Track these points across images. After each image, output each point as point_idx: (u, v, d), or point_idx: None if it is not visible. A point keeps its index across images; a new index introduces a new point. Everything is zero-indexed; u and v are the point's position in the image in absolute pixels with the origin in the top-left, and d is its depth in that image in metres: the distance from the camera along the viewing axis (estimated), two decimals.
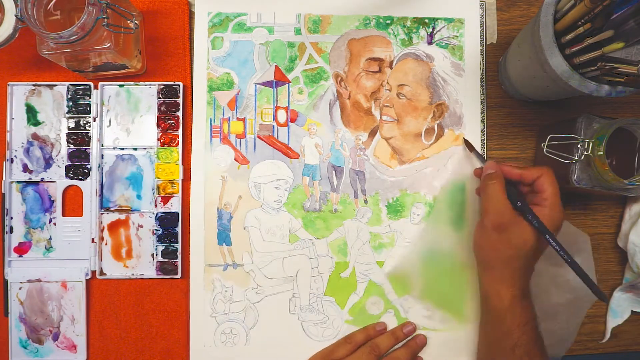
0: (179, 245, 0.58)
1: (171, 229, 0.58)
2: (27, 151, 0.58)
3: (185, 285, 0.58)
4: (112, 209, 0.58)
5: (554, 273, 0.57)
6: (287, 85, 0.59)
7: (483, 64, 0.60)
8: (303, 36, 0.60)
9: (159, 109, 0.58)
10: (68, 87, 0.58)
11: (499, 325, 0.50)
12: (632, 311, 0.60)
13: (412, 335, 0.58)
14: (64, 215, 0.58)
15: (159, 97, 0.58)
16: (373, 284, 0.59)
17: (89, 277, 0.58)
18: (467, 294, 0.59)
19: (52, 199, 0.58)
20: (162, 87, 0.58)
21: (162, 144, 0.58)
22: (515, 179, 0.51)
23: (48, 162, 0.58)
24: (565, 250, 0.48)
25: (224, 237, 0.58)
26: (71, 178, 0.58)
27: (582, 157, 0.51)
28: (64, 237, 0.58)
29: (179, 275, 0.58)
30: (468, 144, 0.58)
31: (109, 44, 0.50)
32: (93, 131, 0.58)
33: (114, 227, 0.58)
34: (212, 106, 0.59)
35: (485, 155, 0.60)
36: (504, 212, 0.49)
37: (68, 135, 0.58)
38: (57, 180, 0.58)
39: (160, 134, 0.58)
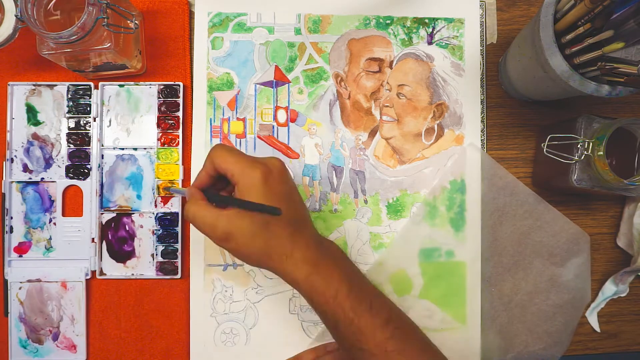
0: (179, 246, 0.58)
1: (171, 229, 0.58)
2: (27, 151, 0.58)
3: (185, 285, 0.58)
4: (112, 209, 0.58)
5: (552, 273, 0.57)
6: (287, 85, 0.60)
7: (483, 64, 0.60)
8: (303, 36, 0.60)
9: (159, 109, 0.58)
10: (68, 87, 0.58)
11: (312, 306, 0.47)
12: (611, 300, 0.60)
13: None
14: (64, 215, 0.58)
15: (159, 97, 0.58)
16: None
17: (88, 277, 0.58)
18: (467, 294, 0.59)
19: (52, 199, 0.58)
20: (162, 87, 0.58)
21: (162, 144, 0.58)
22: (210, 181, 0.47)
23: (48, 162, 0.58)
24: (264, 205, 0.43)
25: None
26: (71, 178, 0.58)
27: (582, 157, 0.51)
28: (64, 237, 0.58)
29: (179, 276, 0.58)
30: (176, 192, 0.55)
31: (109, 44, 0.50)
32: (93, 131, 0.58)
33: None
34: (212, 106, 0.59)
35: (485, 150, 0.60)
36: (213, 223, 0.44)
37: (68, 135, 0.58)
38: (57, 180, 0.58)
39: (161, 134, 0.58)
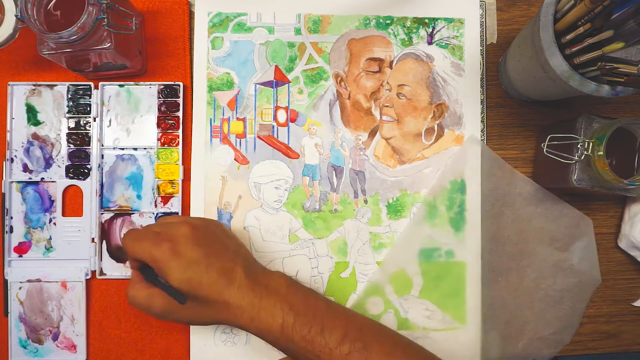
0: None
1: None
2: (27, 151, 0.58)
3: None
4: (112, 208, 0.58)
5: (558, 258, 0.57)
6: (287, 85, 0.60)
7: (483, 64, 0.60)
8: (303, 36, 0.60)
9: (159, 109, 0.58)
10: (68, 87, 0.58)
11: (274, 344, 0.47)
12: None
13: None
14: (64, 215, 0.58)
15: (159, 97, 0.58)
16: (373, 284, 0.59)
17: (88, 277, 0.58)
18: (467, 294, 0.59)
19: (52, 198, 0.58)
20: (162, 87, 0.58)
21: (162, 144, 0.58)
22: (146, 260, 0.47)
23: (48, 162, 0.58)
24: (168, 286, 0.45)
25: None
26: (71, 178, 0.58)
27: (582, 157, 0.51)
28: (64, 237, 0.58)
29: None
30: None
31: (109, 44, 0.50)
32: (93, 131, 0.58)
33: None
34: (212, 106, 0.59)
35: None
36: (151, 305, 0.46)
37: (68, 135, 0.58)
38: (57, 180, 0.58)
39: (161, 134, 0.58)
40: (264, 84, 0.59)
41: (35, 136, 0.58)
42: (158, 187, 0.58)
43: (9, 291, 0.57)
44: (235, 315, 0.46)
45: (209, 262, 0.46)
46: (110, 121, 0.58)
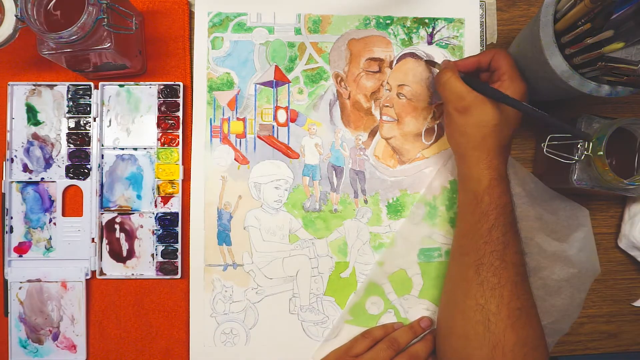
0: (179, 246, 0.58)
1: (171, 229, 0.58)
2: (27, 151, 0.58)
3: (185, 285, 0.58)
4: (112, 209, 0.58)
5: (556, 248, 0.57)
6: (287, 85, 0.60)
7: None
8: (303, 36, 0.60)
9: (159, 109, 0.58)
10: (68, 87, 0.58)
11: (477, 208, 0.50)
12: None
13: (430, 329, 0.58)
14: (64, 215, 0.58)
15: (159, 97, 0.58)
16: (373, 284, 0.59)
17: (88, 277, 0.58)
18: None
19: (52, 198, 0.58)
20: (162, 87, 0.58)
21: (162, 144, 0.58)
22: (474, 67, 0.53)
23: (48, 162, 0.58)
24: (534, 108, 0.48)
25: (223, 237, 0.58)
26: (71, 178, 0.58)
27: (582, 157, 0.51)
28: (64, 237, 0.58)
29: (179, 276, 0.58)
30: (431, 63, 0.59)
31: (109, 44, 0.50)
32: (93, 131, 0.58)
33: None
34: (212, 106, 0.59)
35: None
36: (463, 95, 0.49)
37: (68, 135, 0.58)
38: (57, 180, 0.58)
39: (161, 134, 0.58)
40: (264, 84, 0.59)
41: (35, 136, 0.58)
42: (158, 187, 0.58)
43: (9, 291, 0.57)
44: (486, 169, 0.50)
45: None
46: (110, 121, 0.58)
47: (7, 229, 0.57)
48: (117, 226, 0.58)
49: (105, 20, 0.47)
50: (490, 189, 0.49)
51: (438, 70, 0.54)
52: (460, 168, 0.53)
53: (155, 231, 0.58)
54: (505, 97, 0.49)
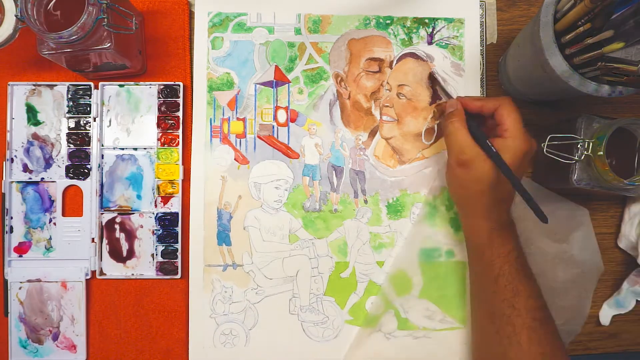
0: (178, 246, 0.58)
1: (171, 229, 0.58)
2: (27, 151, 0.58)
3: (185, 285, 0.58)
4: (112, 209, 0.58)
5: (557, 250, 0.57)
6: (287, 85, 0.60)
7: (483, 64, 0.60)
8: (303, 36, 0.60)
9: (159, 109, 0.58)
10: (68, 87, 0.58)
11: (480, 258, 0.51)
12: (637, 300, 0.60)
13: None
14: (64, 215, 0.58)
15: (159, 97, 0.58)
16: (373, 284, 0.59)
17: (88, 277, 0.58)
18: (467, 293, 0.58)
19: (52, 199, 0.58)
20: (162, 87, 0.58)
21: (162, 144, 0.58)
22: (476, 111, 0.51)
23: (48, 162, 0.58)
24: (516, 178, 0.48)
25: (223, 237, 0.58)
26: (71, 178, 0.58)
27: (582, 157, 0.51)
28: (64, 237, 0.58)
29: (178, 276, 0.58)
30: (432, 78, 0.58)
31: (109, 44, 0.50)
32: (93, 131, 0.58)
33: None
34: (212, 106, 0.59)
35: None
36: (464, 149, 0.49)
37: (68, 135, 0.58)
38: (57, 180, 0.58)
39: (161, 134, 0.58)
40: (264, 84, 0.59)
41: (35, 136, 0.58)
42: (158, 187, 0.58)
43: (9, 291, 0.57)
44: (485, 220, 0.50)
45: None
46: (110, 121, 0.58)
47: (7, 229, 0.57)
48: (117, 226, 0.58)
49: (105, 20, 0.47)
50: (490, 240, 0.50)
51: (443, 99, 0.53)
52: (460, 217, 0.54)
53: (155, 231, 0.58)
54: (498, 160, 0.48)
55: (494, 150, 0.48)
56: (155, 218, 0.58)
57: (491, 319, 0.49)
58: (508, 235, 0.50)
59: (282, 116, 0.59)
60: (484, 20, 0.61)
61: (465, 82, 0.60)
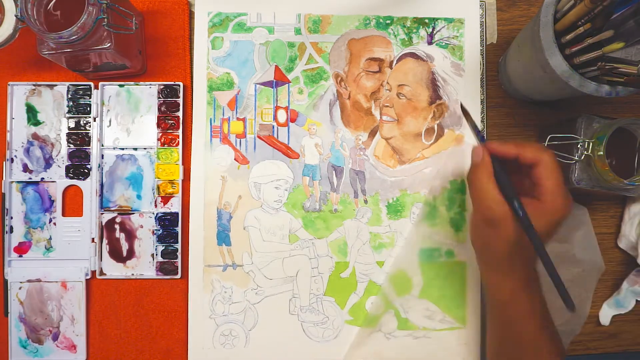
0: (178, 246, 0.58)
1: (171, 229, 0.58)
2: (27, 151, 0.58)
3: (185, 285, 0.58)
4: (112, 209, 0.58)
5: (558, 250, 0.57)
6: (287, 85, 0.60)
7: (483, 64, 0.60)
8: (303, 36, 0.60)
9: (159, 109, 0.58)
10: (68, 87, 0.58)
11: (502, 316, 0.49)
12: (637, 300, 0.60)
13: None
14: (64, 215, 0.58)
15: (159, 97, 0.58)
16: (373, 284, 0.59)
17: (88, 277, 0.58)
18: (467, 294, 0.59)
19: (52, 198, 0.58)
20: (162, 87, 0.58)
21: (162, 144, 0.58)
22: (510, 158, 0.46)
23: (48, 162, 0.58)
24: (547, 254, 0.44)
25: (223, 237, 0.58)
26: (71, 178, 0.58)
27: (582, 157, 0.51)
28: (64, 237, 0.58)
29: (178, 276, 0.58)
30: (465, 112, 0.52)
31: (109, 44, 0.50)
32: (93, 131, 0.58)
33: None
34: (212, 106, 0.59)
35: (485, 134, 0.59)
36: (492, 206, 0.44)
37: (68, 135, 0.58)
38: (57, 180, 0.58)
39: (161, 134, 0.58)
40: (264, 84, 0.59)
41: (35, 136, 0.58)
42: (158, 187, 0.58)
43: (9, 291, 0.57)
44: (509, 281, 0.47)
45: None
46: (110, 121, 0.58)
47: (7, 229, 0.57)
48: (117, 226, 0.58)
49: (105, 20, 0.47)
50: (513, 298, 0.47)
51: (474, 139, 0.49)
52: (481, 269, 0.51)
53: (155, 231, 0.58)
54: (528, 227, 0.43)
55: (522, 214, 0.44)
56: (155, 218, 0.58)
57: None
58: (531, 294, 0.47)
59: (282, 116, 0.59)
60: (484, 20, 0.61)
61: (465, 82, 0.60)
